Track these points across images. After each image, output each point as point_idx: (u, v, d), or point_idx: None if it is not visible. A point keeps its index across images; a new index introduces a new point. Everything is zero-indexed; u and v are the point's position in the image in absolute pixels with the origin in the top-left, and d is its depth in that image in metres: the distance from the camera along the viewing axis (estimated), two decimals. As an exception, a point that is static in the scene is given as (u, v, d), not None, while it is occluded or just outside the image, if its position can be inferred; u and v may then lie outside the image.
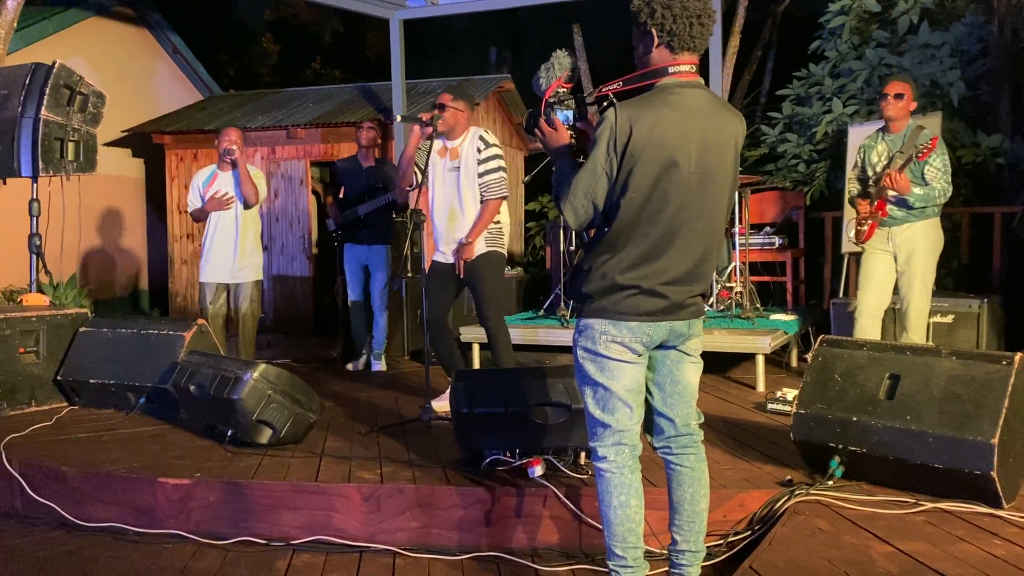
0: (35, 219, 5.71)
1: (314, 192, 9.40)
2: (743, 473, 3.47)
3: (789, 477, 3.37)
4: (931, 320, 5.14)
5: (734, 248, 6.45)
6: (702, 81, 2.49)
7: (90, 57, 9.21)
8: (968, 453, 3.00)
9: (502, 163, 4.63)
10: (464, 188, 4.60)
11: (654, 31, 2.40)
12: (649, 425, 2.62)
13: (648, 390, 2.57)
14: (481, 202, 4.61)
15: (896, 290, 4.75)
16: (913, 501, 3.09)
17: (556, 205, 2.51)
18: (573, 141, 2.57)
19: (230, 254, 5.65)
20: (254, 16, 19.20)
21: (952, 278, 6.69)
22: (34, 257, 5.71)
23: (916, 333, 4.67)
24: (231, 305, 5.78)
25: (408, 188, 4.76)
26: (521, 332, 5.96)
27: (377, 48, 17.66)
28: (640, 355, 2.46)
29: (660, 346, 2.51)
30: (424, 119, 4.52)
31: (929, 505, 3.06)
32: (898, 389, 3.25)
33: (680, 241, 2.39)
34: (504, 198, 4.66)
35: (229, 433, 4.03)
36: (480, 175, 4.58)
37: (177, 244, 9.64)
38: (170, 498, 3.52)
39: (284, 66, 18.14)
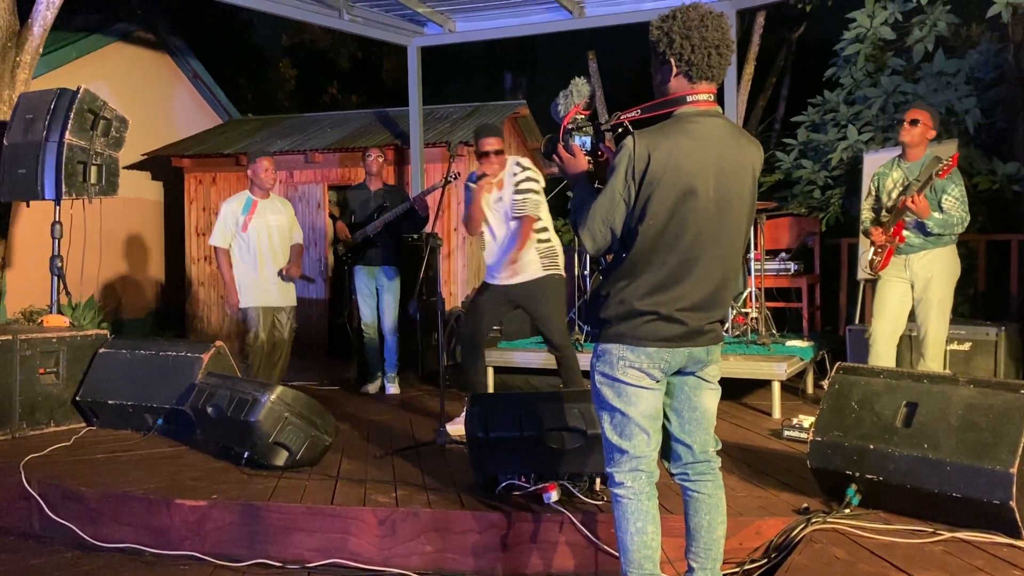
0: (57, 241, 5.79)
1: (331, 216, 9.47)
2: (759, 500, 3.45)
3: (806, 505, 3.35)
4: (948, 348, 5.12)
5: (749, 274, 6.45)
6: (720, 110, 2.51)
7: (112, 82, 9.36)
8: (986, 482, 2.98)
9: (534, 185, 4.68)
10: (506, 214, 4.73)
11: (672, 60, 2.43)
12: (666, 451, 2.61)
13: (666, 416, 2.57)
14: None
15: (912, 317, 4.73)
16: (931, 530, 3.06)
17: (574, 230, 2.52)
18: (591, 167, 2.59)
19: (272, 277, 5.69)
20: (272, 42, 19.46)
21: (969, 305, 6.66)
22: (55, 279, 5.78)
23: (933, 361, 4.65)
24: (278, 329, 5.78)
25: (474, 236, 4.89)
26: (534, 356, 5.97)
27: (394, 73, 17.85)
28: (658, 381, 2.47)
29: (678, 372, 2.51)
30: (491, 178, 4.72)
31: (947, 535, 3.03)
32: (915, 417, 3.23)
33: (698, 268, 2.41)
34: (537, 217, 4.69)
35: (245, 455, 4.05)
36: (514, 195, 4.67)
37: (195, 266, 9.73)
38: (186, 519, 3.54)
39: (302, 91, 18.35)
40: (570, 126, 2.61)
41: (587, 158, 2.59)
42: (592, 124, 2.62)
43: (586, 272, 6.35)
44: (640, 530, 2.48)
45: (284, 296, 5.77)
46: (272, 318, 5.73)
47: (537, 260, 4.67)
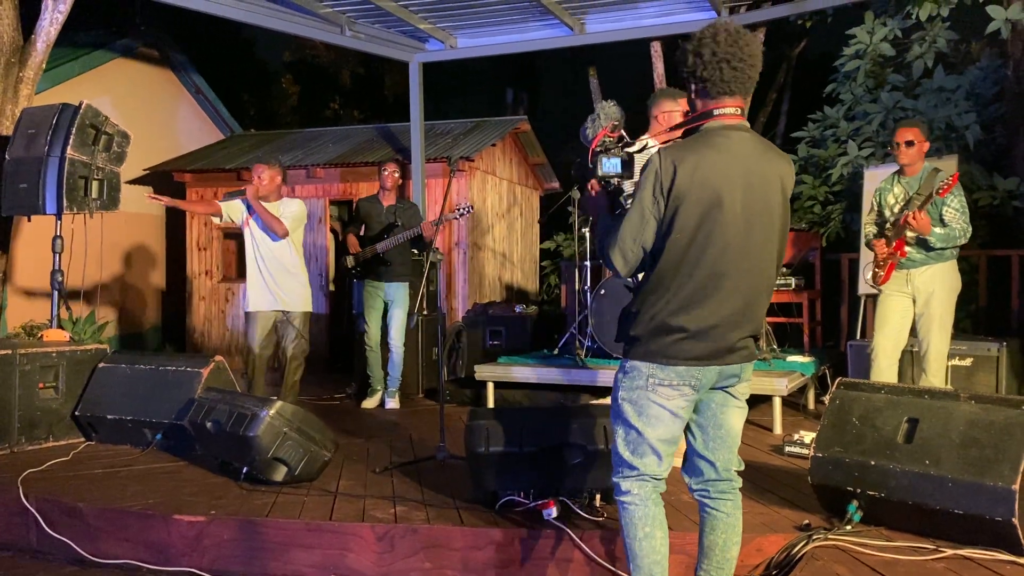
0: (58, 256, 5.79)
1: (332, 230, 9.49)
2: (760, 517, 3.44)
3: (807, 521, 3.33)
4: (950, 363, 5.11)
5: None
6: (747, 124, 2.50)
7: (115, 97, 9.40)
8: (988, 499, 2.96)
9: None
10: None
11: (690, 78, 2.47)
12: (689, 466, 2.60)
13: (690, 431, 2.55)
14: None
15: (914, 332, 4.72)
16: (933, 547, 3.04)
17: (601, 254, 2.52)
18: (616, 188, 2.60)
19: (281, 281, 5.53)
20: (275, 57, 19.57)
21: (970, 321, 6.65)
22: (55, 293, 5.78)
23: (935, 376, 4.64)
24: (281, 341, 5.64)
25: None
26: (536, 371, 5.96)
27: (395, 89, 17.95)
28: (689, 400, 2.45)
29: (709, 389, 2.49)
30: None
31: (949, 552, 3.01)
32: (917, 433, 3.22)
33: (728, 283, 2.39)
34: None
35: (244, 470, 4.03)
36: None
37: (196, 281, 9.74)
38: (185, 535, 3.52)
39: (304, 106, 18.44)
40: (599, 148, 2.60)
41: (615, 180, 2.58)
42: (620, 146, 2.62)
43: (587, 287, 6.34)
44: (648, 535, 2.46)
45: (285, 301, 5.56)
46: (275, 325, 5.60)
47: None
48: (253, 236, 5.58)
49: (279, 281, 5.55)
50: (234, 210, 5.63)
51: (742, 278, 2.41)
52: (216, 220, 5.71)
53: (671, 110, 4.34)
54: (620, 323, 2.57)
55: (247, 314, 5.63)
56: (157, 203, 5.64)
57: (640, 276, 2.54)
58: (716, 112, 2.44)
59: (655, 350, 2.42)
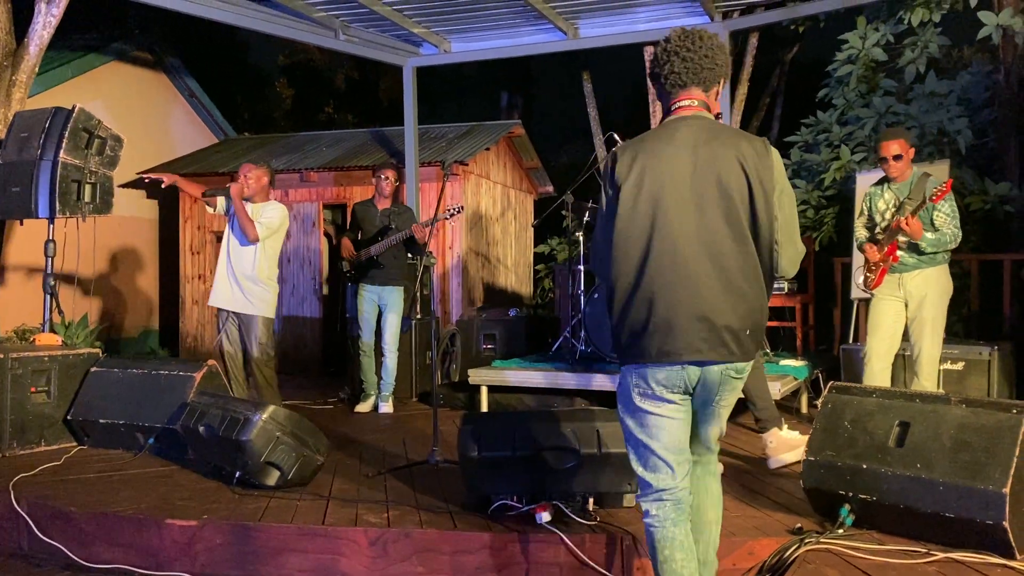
0: (50, 259, 5.78)
1: (325, 234, 9.48)
2: (752, 520, 3.44)
3: (799, 525, 3.34)
4: (942, 367, 5.12)
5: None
6: (705, 114, 2.49)
7: (108, 101, 9.39)
8: (979, 502, 2.97)
9: None
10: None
11: (653, 82, 2.54)
12: None
13: None
14: None
15: (906, 336, 4.74)
16: (924, 551, 3.05)
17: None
18: None
19: (237, 283, 5.38)
20: (269, 61, 19.55)
21: (962, 325, 6.67)
22: (48, 297, 5.76)
23: (927, 380, 4.65)
24: (244, 346, 5.52)
25: None
26: (529, 375, 5.96)
27: (390, 93, 17.94)
28: (683, 404, 2.44)
29: (697, 398, 2.47)
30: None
31: (940, 555, 3.02)
32: (908, 437, 3.23)
33: (682, 269, 2.35)
34: None
35: (237, 474, 4.03)
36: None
37: (189, 285, 9.72)
38: (177, 540, 3.51)
39: (298, 110, 18.43)
40: None
41: None
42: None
43: (581, 291, 6.35)
44: (668, 558, 2.45)
45: (238, 302, 5.38)
46: (239, 327, 5.43)
47: None
48: (228, 233, 5.48)
49: (239, 283, 5.40)
50: (223, 204, 5.60)
51: (700, 263, 2.35)
52: (209, 210, 5.65)
53: None
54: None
55: (218, 310, 5.53)
56: (163, 183, 5.56)
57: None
58: (674, 107, 2.49)
59: (629, 353, 2.42)
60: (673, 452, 2.46)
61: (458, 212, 5.87)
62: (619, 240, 2.39)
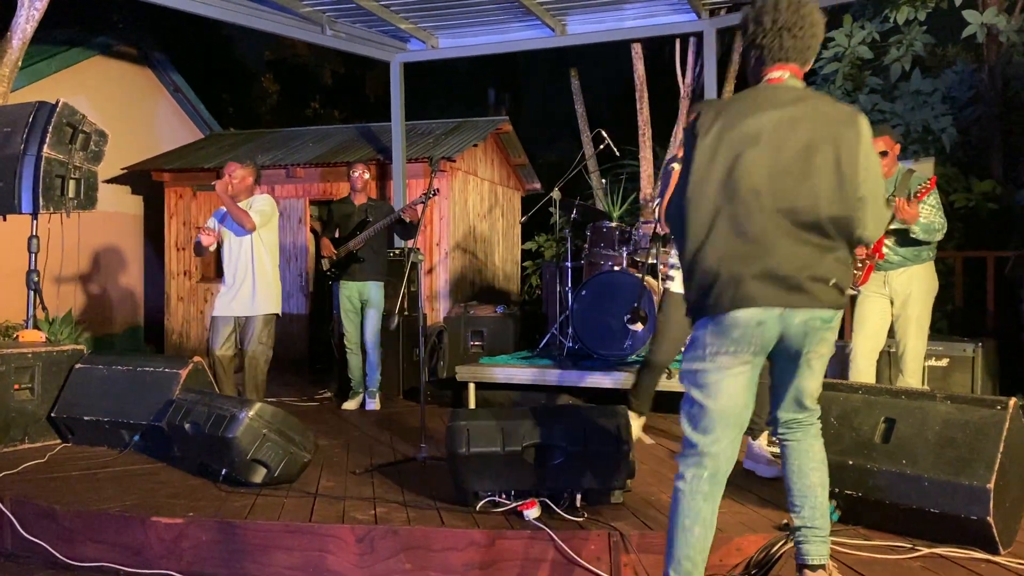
0: (34, 255, 5.72)
1: (312, 231, 9.45)
2: (739, 517, 3.45)
3: (786, 521, 3.35)
4: (926, 363, 5.16)
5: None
6: (801, 85, 2.48)
7: (92, 95, 9.32)
8: (964, 498, 3.00)
9: None
10: None
11: (750, 46, 2.48)
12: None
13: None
14: None
15: (892, 333, 4.77)
16: (910, 546, 3.07)
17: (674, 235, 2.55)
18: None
19: (240, 286, 5.46)
20: (255, 56, 19.45)
21: (947, 322, 6.72)
22: (31, 293, 5.71)
23: (912, 376, 4.68)
24: (240, 345, 5.55)
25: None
26: (517, 372, 5.96)
27: (376, 89, 17.89)
28: (753, 367, 2.41)
29: (781, 347, 2.44)
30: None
31: (926, 550, 3.04)
32: (894, 433, 3.25)
33: (755, 222, 2.34)
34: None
35: (223, 472, 4.01)
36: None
37: (174, 281, 9.66)
38: (162, 538, 3.49)
39: (284, 106, 18.34)
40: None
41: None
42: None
43: (568, 288, 6.35)
44: (687, 528, 2.43)
45: (242, 306, 5.46)
46: (234, 329, 5.51)
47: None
48: (227, 242, 5.54)
49: (244, 284, 5.46)
50: (213, 222, 5.62)
51: (772, 217, 2.34)
52: (208, 240, 5.61)
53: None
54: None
55: (212, 318, 5.59)
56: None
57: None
58: (766, 77, 2.47)
59: (703, 304, 2.38)
60: (729, 416, 2.42)
61: (434, 195, 5.87)
62: (692, 193, 2.38)
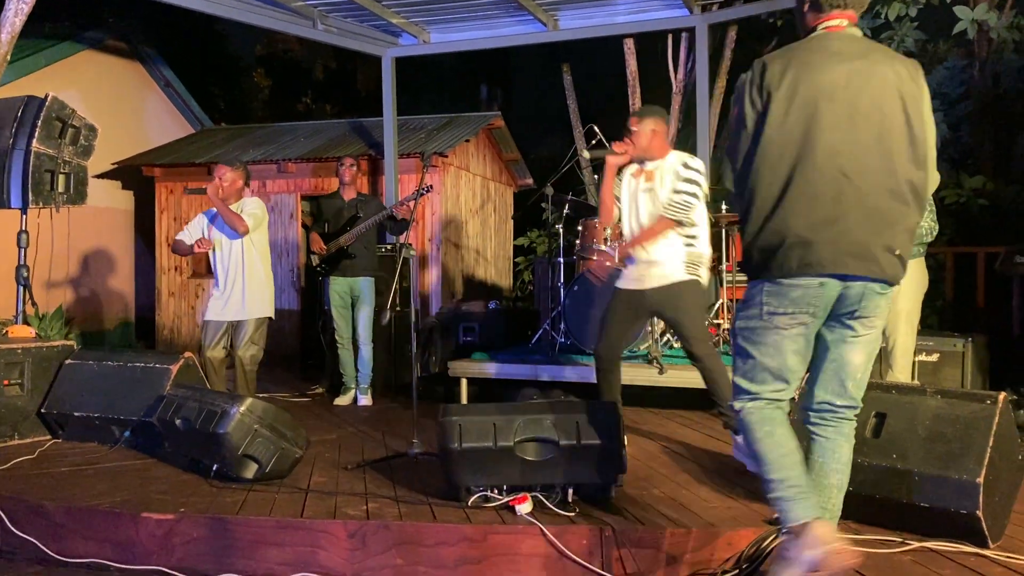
0: (23, 250, 5.69)
1: (304, 226, 9.43)
2: (731, 511, 3.46)
3: (777, 515, 3.36)
4: (916, 359, 5.17)
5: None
6: (857, 31, 2.42)
7: (82, 90, 9.26)
8: (954, 492, 3.01)
9: (697, 189, 4.28)
10: (655, 210, 4.35)
11: None
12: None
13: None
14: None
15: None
16: (900, 540, 3.09)
17: (735, 198, 2.49)
18: None
19: (232, 291, 5.44)
20: (246, 51, 19.37)
21: (936, 317, 6.75)
22: (21, 288, 5.68)
23: (902, 371, 4.70)
24: (232, 345, 5.53)
25: (609, 225, 4.55)
26: (509, 367, 5.96)
27: (368, 84, 17.85)
28: (808, 328, 2.37)
29: (834, 316, 2.39)
30: (617, 150, 4.36)
31: (916, 544, 3.06)
32: (884, 428, 3.26)
33: (834, 184, 2.29)
34: (680, 223, 4.29)
35: (214, 467, 4.00)
36: (674, 194, 4.30)
37: (165, 276, 9.63)
38: (153, 534, 3.48)
39: (275, 100, 18.29)
40: None
41: None
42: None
43: (560, 283, 6.35)
44: (769, 433, 2.40)
45: (233, 311, 5.45)
46: (227, 331, 5.50)
47: (680, 263, 4.31)
48: (215, 246, 5.52)
49: (235, 288, 5.45)
50: (197, 229, 5.59)
51: (848, 178, 2.29)
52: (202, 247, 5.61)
53: (662, 131, 4.38)
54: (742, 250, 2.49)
55: (203, 321, 5.58)
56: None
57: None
58: (822, 26, 2.40)
59: (766, 266, 2.33)
60: (784, 373, 2.40)
61: (428, 191, 5.85)
62: (766, 150, 2.31)
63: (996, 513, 3.08)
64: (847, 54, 2.34)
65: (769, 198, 2.33)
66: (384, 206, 6.43)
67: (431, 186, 5.92)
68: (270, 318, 5.62)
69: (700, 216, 4.40)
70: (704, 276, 4.41)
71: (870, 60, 2.35)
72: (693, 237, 4.37)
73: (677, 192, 4.28)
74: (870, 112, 2.32)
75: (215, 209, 5.50)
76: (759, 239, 2.35)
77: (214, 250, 5.52)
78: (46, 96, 5.62)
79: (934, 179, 2.46)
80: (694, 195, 4.28)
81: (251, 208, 5.47)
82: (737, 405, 2.49)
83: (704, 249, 4.41)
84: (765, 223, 2.33)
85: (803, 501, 2.37)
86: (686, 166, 4.31)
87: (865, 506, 3.25)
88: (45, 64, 9.04)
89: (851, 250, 2.30)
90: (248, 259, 5.49)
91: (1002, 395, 3.14)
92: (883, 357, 5.06)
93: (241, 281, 5.47)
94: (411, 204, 5.90)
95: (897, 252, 2.35)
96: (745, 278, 7.46)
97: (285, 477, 4.05)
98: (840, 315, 2.40)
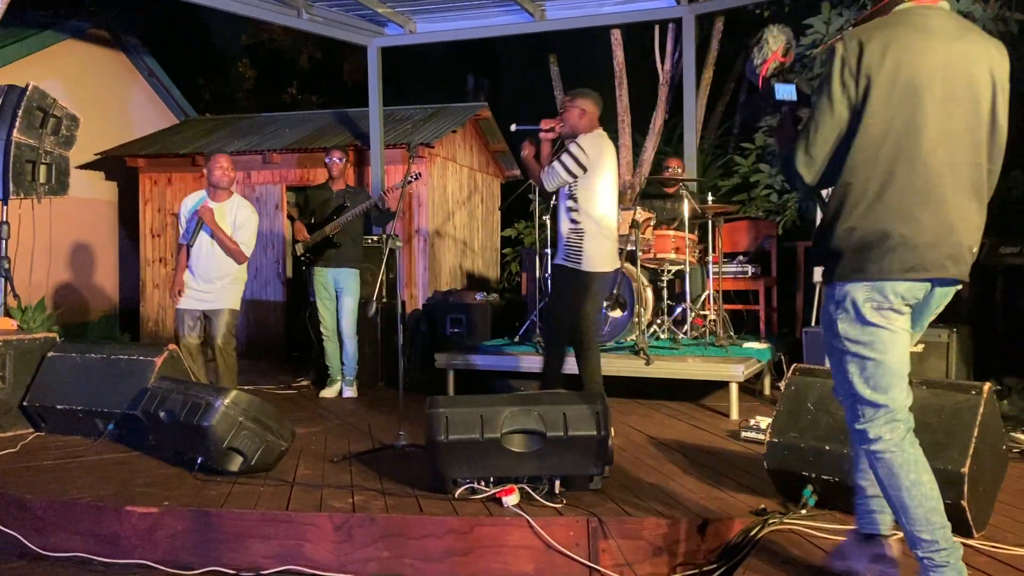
0: (4, 242, 5.64)
1: (289, 217, 9.37)
2: (717, 502, 3.47)
3: (763, 506, 3.37)
4: (902, 349, 5.19)
5: (708, 276, 6.50)
6: (947, 6, 2.27)
7: (65, 80, 9.16)
8: (939, 482, 3.00)
9: (570, 161, 4.35)
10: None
11: None
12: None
13: None
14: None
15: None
16: (885, 530, 3.09)
17: (788, 174, 2.29)
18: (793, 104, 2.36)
19: (211, 281, 5.42)
20: (231, 41, 19.21)
21: (922, 308, 6.77)
22: (2, 280, 5.62)
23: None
24: (208, 334, 5.51)
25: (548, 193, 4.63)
26: (496, 359, 5.96)
27: (354, 74, 17.73)
28: (906, 316, 2.25)
29: (915, 313, 2.29)
30: (544, 126, 4.54)
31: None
32: (870, 418, 3.26)
33: (934, 178, 2.16)
34: (541, 181, 4.46)
35: (199, 460, 3.97)
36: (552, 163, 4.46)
37: (149, 268, 9.55)
38: (137, 527, 3.45)
39: (260, 91, 18.15)
40: (770, 74, 2.37)
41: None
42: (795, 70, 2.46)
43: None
44: (915, 482, 2.24)
45: (210, 299, 5.43)
46: (200, 323, 5.48)
47: (562, 246, 4.49)
48: (199, 237, 5.46)
49: (209, 280, 5.42)
50: (181, 218, 5.57)
51: (945, 172, 2.17)
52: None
53: (591, 113, 4.47)
54: (816, 242, 2.35)
55: (176, 309, 5.55)
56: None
57: (825, 192, 2.31)
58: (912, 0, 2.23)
59: (862, 266, 2.19)
60: (902, 369, 2.28)
61: (415, 179, 5.83)
62: (864, 141, 2.16)
63: (981, 503, 3.09)
64: (946, 34, 2.19)
65: (867, 194, 2.19)
66: (371, 197, 6.39)
67: (419, 173, 5.88)
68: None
69: (585, 199, 4.42)
70: (579, 261, 4.41)
71: (968, 41, 2.21)
72: (577, 223, 4.45)
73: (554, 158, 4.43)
74: (964, 100, 2.20)
75: (193, 203, 5.48)
76: (852, 237, 2.21)
77: (194, 239, 5.44)
78: (27, 85, 5.56)
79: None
80: (565, 166, 4.36)
81: (244, 232, 5.48)
82: (872, 432, 2.27)
83: (589, 236, 4.41)
84: (861, 221, 2.19)
85: (952, 569, 2.27)
86: (577, 144, 4.41)
87: (850, 496, 3.25)
88: (26, 53, 8.93)
89: (950, 252, 2.21)
90: (230, 262, 5.49)
91: (987, 386, 3.16)
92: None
93: (218, 275, 5.43)
94: (399, 192, 5.87)
95: (974, 251, 2.28)
96: (747, 271, 7.41)
97: (270, 470, 4.03)
98: (920, 323, 2.34)
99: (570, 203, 4.44)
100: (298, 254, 6.38)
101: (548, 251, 6.43)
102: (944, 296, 2.33)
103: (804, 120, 2.31)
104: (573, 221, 4.44)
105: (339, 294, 6.29)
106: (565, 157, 4.39)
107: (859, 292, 2.23)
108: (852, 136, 2.18)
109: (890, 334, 2.25)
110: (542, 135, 4.56)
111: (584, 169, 4.37)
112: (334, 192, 6.34)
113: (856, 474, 2.55)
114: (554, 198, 4.66)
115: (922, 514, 2.26)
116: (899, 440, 2.29)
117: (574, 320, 4.47)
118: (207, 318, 5.49)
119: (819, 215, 2.40)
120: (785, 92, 2.35)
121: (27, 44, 8.97)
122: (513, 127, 4.87)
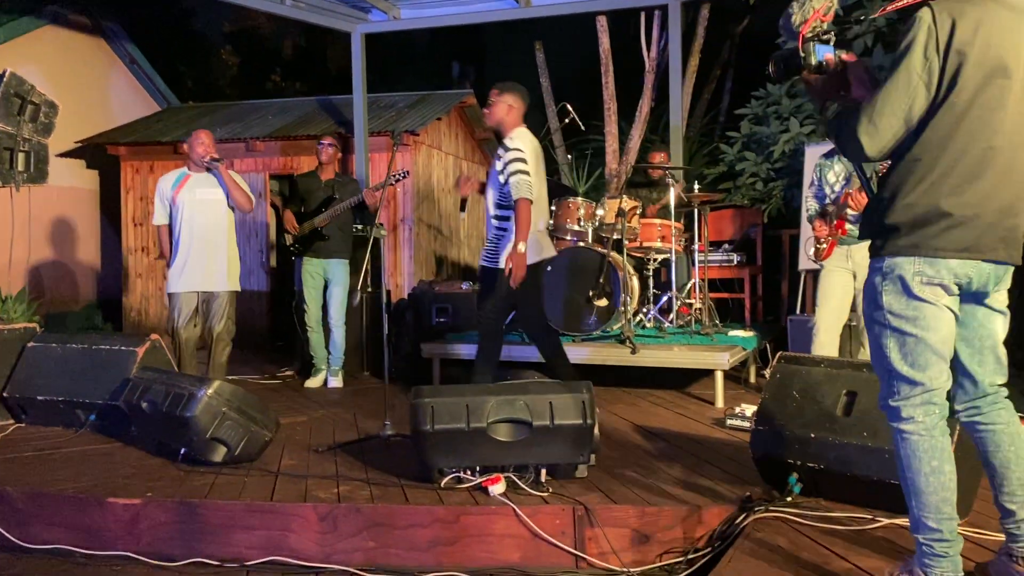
0: (-17, 231, 5.56)
1: (272, 205, 9.30)
2: (703, 490, 3.47)
3: (748, 494, 3.37)
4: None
5: (693, 265, 6.50)
6: None
7: (44, 66, 9.04)
8: (923, 469, 3.02)
9: (522, 165, 4.42)
10: (489, 190, 4.64)
11: None
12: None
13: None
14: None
15: (854, 307, 4.81)
16: (870, 517, 3.11)
17: (839, 136, 2.24)
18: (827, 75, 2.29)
19: (210, 259, 5.33)
20: (213, 28, 19.03)
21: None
22: (-19, 270, 5.56)
23: (872, 350, 4.73)
24: (204, 322, 5.43)
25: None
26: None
27: (338, 61, 17.61)
28: (956, 296, 2.22)
29: (973, 295, 2.27)
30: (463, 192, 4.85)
31: (886, 521, 3.08)
32: (855, 406, 3.27)
33: (1004, 161, 2.15)
34: (528, 200, 4.43)
35: (182, 451, 3.94)
36: (506, 176, 4.47)
37: (132, 257, 9.47)
38: (120, 518, 3.42)
39: (244, 78, 18.01)
40: (809, 35, 2.29)
41: (823, 67, 2.27)
42: (834, 30, 2.31)
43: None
44: (936, 470, 2.22)
45: (212, 280, 5.36)
46: (198, 305, 5.40)
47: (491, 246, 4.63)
48: (181, 211, 5.38)
49: (206, 259, 5.34)
50: (163, 206, 5.47)
51: (1018, 155, 2.16)
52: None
53: (518, 108, 4.54)
54: (867, 214, 2.32)
55: (169, 295, 5.44)
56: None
57: (882, 166, 2.28)
58: None
59: (918, 242, 2.16)
60: (945, 350, 2.24)
61: (404, 176, 5.80)
62: (947, 116, 2.12)
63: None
64: (1020, 6, 2.15)
65: (934, 171, 2.16)
66: (359, 189, 6.36)
67: (407, 172, 5.85)
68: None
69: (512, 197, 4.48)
70: (498, 261, 4.55)
71: None
72: (505, 219, 4.56)
73: (511, 174, 4.42)
74: None
75: (173, 180, 5.40)
76: (912, 213, 2.18)
77: (180, 216, 5.37)
78: (4, 72, 5.48)
79: None
80: (523, 171, 4.40)
81: (242, 181, 5.45)
82: (906, 411, 2.26)
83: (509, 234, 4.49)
84: (923, 198, 2.17)
85: (949, 561, 2.28)
86: (516, 148, 4.45)
87: (836, 484, 3.27)
88: (4, 39, 8.80)
89: (1004, 235, 2.20)
90: (229, 228, 5.43)
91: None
92: (854, 335, 5.10)
93: (223, 251, 5.37)
94: (379, 193, 5.83)
95: None
96: (732, 260, 7.37)
97: (255, 460, 4.00)
98: (977, 293, 2.29)
99: (502, 207, 4.55)
100: (287, 244, 6.33)
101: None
102: (1006, 273, 2.29)
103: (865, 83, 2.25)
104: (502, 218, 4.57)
105: (328, 284, 6.25)
106: (517, 164, 4.42)
107: (909, 265, 2.20)
108: (931, 113, 2.14)
109: (935, 310, 2.21)
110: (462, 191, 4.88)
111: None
112: (323, 181, 6.29)
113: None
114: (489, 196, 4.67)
115: (935, 502, 2.25)
116: (931, 426, 2.26)
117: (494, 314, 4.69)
118: (207, 303, 5.40)
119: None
120: (824, 52, 2.28)
121: (5, 30, 8.84)
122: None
